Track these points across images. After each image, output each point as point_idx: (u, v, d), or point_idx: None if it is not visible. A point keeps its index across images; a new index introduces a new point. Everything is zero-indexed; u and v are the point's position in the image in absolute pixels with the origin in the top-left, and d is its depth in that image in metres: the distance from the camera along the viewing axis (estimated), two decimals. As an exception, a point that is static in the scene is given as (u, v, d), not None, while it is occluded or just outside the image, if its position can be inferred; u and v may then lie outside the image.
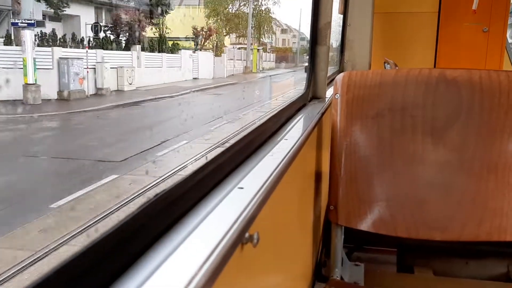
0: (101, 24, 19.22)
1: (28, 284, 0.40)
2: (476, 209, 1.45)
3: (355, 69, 3.09)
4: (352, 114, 1.54)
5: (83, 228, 4.26)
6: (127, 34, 19.03)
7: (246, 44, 31.15)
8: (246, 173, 0.87)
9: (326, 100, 2.00)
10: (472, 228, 1.45)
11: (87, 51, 15.23)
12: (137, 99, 15.50)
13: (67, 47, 15.74)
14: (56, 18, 19.94)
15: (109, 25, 19.43)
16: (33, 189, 6.00)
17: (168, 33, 25.77)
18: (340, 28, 3.23)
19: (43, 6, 19.08)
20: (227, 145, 0.86)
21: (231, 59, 27.25)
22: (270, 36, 37.54)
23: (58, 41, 15.41)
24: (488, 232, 1.44)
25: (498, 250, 2.09)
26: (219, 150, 0.83)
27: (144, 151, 7.65)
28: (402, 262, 2.17)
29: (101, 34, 18.14)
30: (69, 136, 9.52)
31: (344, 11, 3.15)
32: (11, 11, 16.18)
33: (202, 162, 0.76)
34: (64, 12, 19.70)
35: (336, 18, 3.04)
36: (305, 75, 2.10)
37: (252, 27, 32.26)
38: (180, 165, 6.46)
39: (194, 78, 22.79)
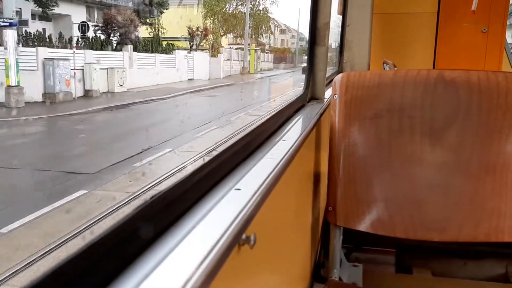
0: (90, 23, 18.71)
1: (24, 285, 0.40)
2: (474, 210, 1.45)
3: (354, 69, 3.08)
4: (350, 115, 1.54)
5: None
6: (119, 34, 18.45)
7: (243, 44, 30.86)
8: (244, 174, 0.86)
9: (325, 101, 1.98)
10: (470, 228, 1.45)
11: (74, 52, 14.66)
12: (127, 102, 15.09)
13: (54, 47, 15.19)
14: (46, 17, 19.47)
15: (100, 25, 18.87)
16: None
17: (164, 33, 25.50)
18: (339, 29, 3.23)
19: (31, 5, 18.61)
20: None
21: (228, 60, 27.06)
22: (268, 36, 37.25)
23: (43, 41, 14.80)
24: (486, 233, 1.44)
25: (496, 251, 2.09)
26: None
27: (123, 160, 7.03)
28: (400, 262, 2.18)
29: (91, 34, 17.57)
30: (44, 142, 8.86)
31: (343, 12, 3.12)
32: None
33: (199, 163, 0.75)
34: (53, 11, 19.22)
35: (335, 19, 3.07)
36: (303, 76, 2.08)
37: (249, 27, 31.96)
38: (157, 178, 5.83)
39: (189, 79, 22.74)
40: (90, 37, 17.18)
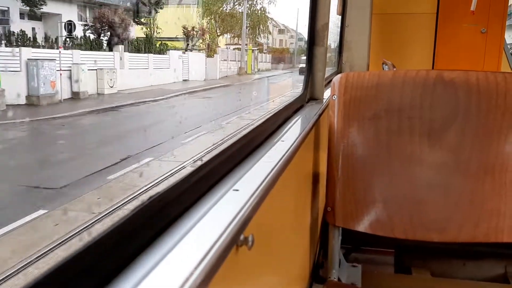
0: (81, 22, 18.13)
1: (23, 285, 0.40)
2: (473, 210, 1.45)
3: (353, 70, 3.07)
4: (349, 116, 1.54)
5: None
6: (109, 33, 17.83)
7: (241, 44, 30.57)
8: (242, 175, 0.86)
9: (324, 101, 1.98)
10: (469, 229, 1.45)
11: (59, 52, 14.02)
12: (116, 104, 14.53)
13: (40, 47, 14.59)
14: (35, 16, 18.92)
15: (90, 24, 18.26)
16: None
17: (159, 33, 25.20)
18: (339, 29, 3.20)
19: (20, 4, 18.08)
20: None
21: (225, 60, 26.75)
22: (267, 36, 36.93)
23: (28, 41, 14.17)
24: (485, 233, 1.44)
25: (496, 251, 2.09)
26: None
27: (96, 172, 6.36)
28: (399, 263, 2.18)
29: (80, 33, 16.95)
30: (17, 149, 8.10)
31: (342, 12, 3.10)
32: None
33: (197, 164, 0.75)
34: (42, 10, 18.67)
35: (334, 19, 3.03)
36: (301, 77, 2.08)
37: (247, 27, 31.64)
38: (131, 195, 5.15)
39: (184, 80, 22.47)
40: (79, 37, 16.56)
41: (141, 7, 23.04)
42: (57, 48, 14.84)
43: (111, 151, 7.70)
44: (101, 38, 17.90)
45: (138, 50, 19.16)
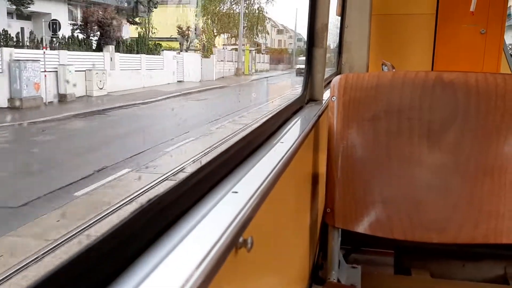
0: (70, 22, 17.50)
1: (25, 286, 0.38)
2: (473, 211, 1.45)
3: (352, 71, 3.06)
4: (348, 117, 1.54)
5: None
6: (99, 33, 17.21)
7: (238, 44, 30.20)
8: (241, 177, 0.86)
9: (323, 103, 1.98)
10: (469, 230, 1.44)
11: (44, 52, 13.38)
12: (104, 107, 13.90)
13: (24, 47, 13.97)
14: (23, 16, 18.31)
15: (79, 23, 17.64)
16: None
17: (154, 33, 24.73)
18: (338, 30, 3.19)
19: (6, 3, 17.48)
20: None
21: (221, 61, 26.29)
22: (265, 37, 36.48)
23: (10, 41, 13.52)
24: (484, 234, 1.44)
25: (495, 252, 2.09)
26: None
27: (64, 187, 5.70)
28: (399, 264, 2.18)
29: (67, 33, 16.33)
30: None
31: (342, 13, 3.10)
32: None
33: (196, 166, 0.74)
34: (32, 10, 18.07)
35: (334, 20, 3.02)
36: (299, 78, 2.33)
37: (244, 27, 31.19)
38: (98, 214, 4.50)
39: (178, 81, 22.04)
40: (66, 37, 15.92)
41: (136, 6, 22.48)
42: (41, 49, 14.21)
43: (87, 160, 7.04)
44: (91, 38, 17.28)
45: (130, 51, 18.59)
